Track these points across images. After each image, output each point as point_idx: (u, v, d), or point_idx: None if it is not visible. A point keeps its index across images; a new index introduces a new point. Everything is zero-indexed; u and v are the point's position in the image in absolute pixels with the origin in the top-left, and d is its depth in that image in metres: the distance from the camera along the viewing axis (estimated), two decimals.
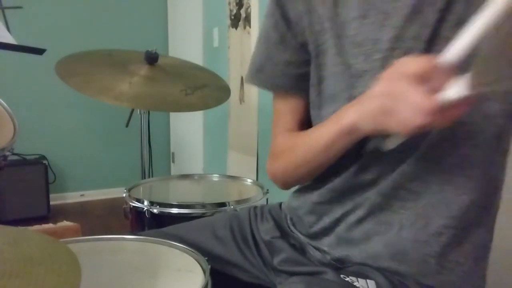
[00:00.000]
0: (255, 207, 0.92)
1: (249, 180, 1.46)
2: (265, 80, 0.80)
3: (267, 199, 1.31)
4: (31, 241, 0.52)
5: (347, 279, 0.65)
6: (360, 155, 0.68)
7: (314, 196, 0.76)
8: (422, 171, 0.65)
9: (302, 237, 0.80)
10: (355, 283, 0.65)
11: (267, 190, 1.33)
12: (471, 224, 0.66)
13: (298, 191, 0.83)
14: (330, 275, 0.67)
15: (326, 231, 0.75)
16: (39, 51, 1.55)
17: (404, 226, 0.66)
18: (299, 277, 0.70)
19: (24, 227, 0.56)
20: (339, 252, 0.72)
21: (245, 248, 0.83)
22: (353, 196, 0.70)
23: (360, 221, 0.70)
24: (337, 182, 0.71)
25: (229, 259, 0.82)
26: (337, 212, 0.72)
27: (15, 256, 0.47)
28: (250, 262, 0.81)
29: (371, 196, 0.68)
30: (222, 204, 1.18)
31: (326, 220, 0.74)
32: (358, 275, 0.66)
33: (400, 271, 0.67)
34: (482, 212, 0.67)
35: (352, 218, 0.71)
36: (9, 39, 1.53)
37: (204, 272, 0.69)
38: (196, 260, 0.74)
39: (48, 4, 3.05)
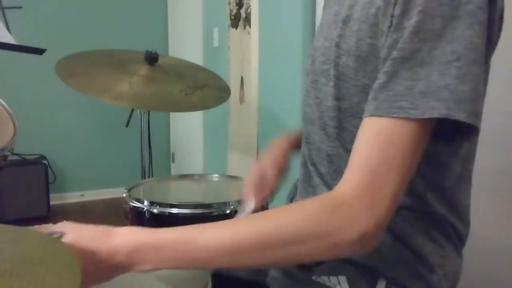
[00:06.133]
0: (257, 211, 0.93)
1: None
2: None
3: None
4: (31, 240, 0.52)
5: (318, 279, 0.66)
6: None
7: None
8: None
9: None
10: (327, 283, 0.66)
11: None
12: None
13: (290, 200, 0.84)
14: (302, 276, 0.68)
15: None
16: (39, 51, 1.55)
17: None
18: (275, 279, 0.71)
19: (24, 227, 0.56)
20: None
21: None
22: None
23: None
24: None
25: None
26: None
27: (15, 256, 0.47)
28: None
29: None
30: (222, 204, 1.17)
31: None
32: (330, 272, 0.67)
33: (369, 264, 0.67)
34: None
35: None
36: (9, 39, 1.53)
37: (204, 271, 0.69)
38: None
39: (48, 4, 3.06)
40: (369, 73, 0.62)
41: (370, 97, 0.57)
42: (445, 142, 0.62)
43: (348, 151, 0.67)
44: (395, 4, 0.56)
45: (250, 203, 0.84)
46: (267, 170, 0.89)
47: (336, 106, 0.67)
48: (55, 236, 0.56)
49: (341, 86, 0.66)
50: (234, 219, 0.58)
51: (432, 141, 0.57)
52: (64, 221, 0.60)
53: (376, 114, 0.55)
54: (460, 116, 0.52)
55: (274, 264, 0.61)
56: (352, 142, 0.67)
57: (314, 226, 0.53)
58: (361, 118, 0.64)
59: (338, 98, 0.67)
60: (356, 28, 0.63)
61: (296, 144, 0.93)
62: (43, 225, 0.58)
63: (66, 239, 0.56)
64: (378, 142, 0.54)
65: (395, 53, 0.55)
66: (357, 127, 0.65)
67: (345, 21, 0.66)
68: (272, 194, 0.89)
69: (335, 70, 0.67)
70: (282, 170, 0.90)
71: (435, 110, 0.52)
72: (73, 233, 0.57)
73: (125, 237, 0.56)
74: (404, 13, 0.55)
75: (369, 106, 0.57)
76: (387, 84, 0.55)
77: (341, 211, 0.53)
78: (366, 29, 0.62)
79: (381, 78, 0.56)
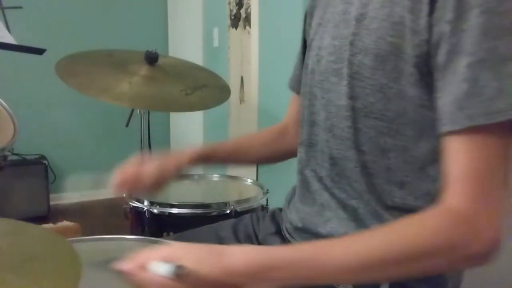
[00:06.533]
0: (257, 212, 0.94)
1: (249, 180, 1.46)
2: None
3: (267, 199, 1.31)
4: (32, 236, 0.52)
5: None
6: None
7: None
8: None
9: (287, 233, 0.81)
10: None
11: (267, 190, 1.33)
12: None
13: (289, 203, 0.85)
14: None
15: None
16: (39, 51, 1.55)
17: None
18: None
19: (25, 222, 0.56)
20: None
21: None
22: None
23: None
24: None
25: None
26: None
27: (16, 252, 0.47)
28: None
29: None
30: (222, 204, 1.17)
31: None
32: None
33: None
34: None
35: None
36: (9, 39, 1.53)
37: None
38: None
39: (48, 4, 3.05)
40: (387, 72, 0.61)
41: (450, 109, 0.55)
42: None
43: (361, 152, 0.67)
44: (431, 4, 0.56)
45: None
46: (149, 164, 0.86)
47: (350, 106, 0.66)
48: (179, 272, 0.52)
49: (355, 84, 0.65)
50: (359, 235, 0.58)
51: None
52: (169, 242, 0.59)
53: (473, 123, 0.53)
54: None
55: (407, 276, 0.60)
56: (366, 143, 0.66)
57: (444, 240, 0.53)
58: (376, 118, 0.64)
59: (352, 97, 0.66)
60: (375, 26, 0.62)
61: (200, 159, 0.90)
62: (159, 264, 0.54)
63: (189, 266, 0.53)
64: (476, 153, 0.54)
65: (468, 59, 0.53)
66: (371, 127, 0.65)
67: (359, 19, 0.65)
68: (139, 188, 0.87)
69: (348, 68, 0.66)
70: (163, 177, 0.87)
71: None
72: (188, 258, 0.55)
73: (241, 258, 0.55)
74: (460, 16, 0.54)
75: (457, 118, 0.54)
76: (473, 91, 0.53)
77: (464, 223, 0.53)
78: (387, 27, 0.61)
79: (460, 87, 0.54)
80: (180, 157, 0.89)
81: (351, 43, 0.65)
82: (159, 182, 0.87)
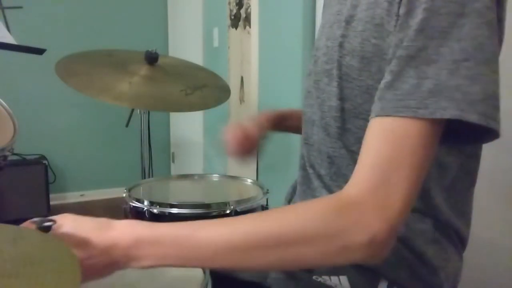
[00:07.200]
0: (257, 212, 0.94)
1: (249, 180, 1.45)
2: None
3: (267, 199, 1.31)
4: (31, 240, 0.52)
5: (319, 279, 0.67)
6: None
7: None
8: None
9: None
10: (327, 282, 0.66)
11: (267, 190, 1.33)
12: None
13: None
14: (303, 276, 0.68)
15: None
16: (39, 51, 1.55)
17: None
18: (276, 280, 0.71)
19: (24, 227, 0.56)
20: None
21: None
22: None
23: None
24: None
25: None
26: None
27: (15, 256, 0.47)
28: None
29: None
30: (222, 204, 1.17)
31: None
32: (331, 272, 0.67)
33: (370, 265, 0.67)
34: None
35: None
36: (9, 39, 1.53)
37: (204, 271, 0.69)
38: None
39: (48, 4, 3.06)
40: (373, 74, 0.62)
41: (376, 98, 0.56)
42: (452, 143, 0.61)
43: (351, 152, 0.67)
44: (399, 3, 0.56)
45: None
46: (250, 129, 0.90)
47: (340, 106, 0.67)
48: (46, 224, 0.54)
49: (344, 86, 0.66)
50: (236, 216, 0.57)
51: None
52: (65, 214, 0.58)
53: (382, 114, 0.53)
54: (473, 117, 0.50)
55: (279, 266, 0.57)
56: (355, 143, 0.66)
57: (320, 226, 0.50)
58: (364, 119, 0.64)
59: (341, 98, 0.67)
60: (360, 28, 0.63)
61: (280, 120, 0.96)
62: (37, 219, 0.55)
63: (62, 228, 0.55)
64: (386, 142, 0.52)
65: (400, 52, 0.54)
66: (360, 128, 0.65)
67: (349, 21, 0.65)
68: (257, 150, 0.91)
69: (338, 70, 0.66)
70: (263, 133, 0.92)
71: (447, 110, 0.50)
72: (70, 223, 0.56)
73: (124, 231, 0.54)
74: (409, 12, 0.54)
75: (376, 107, 0.55)
76: (393, 84, 0.53)
77: (349, 211, 0.50)
78: (371, 29, 0.61)
79: (387, 78, 0.55)
80: (261, 121, 0.94)
81: (340, 45, 0.66)
82: (255, 145, 0.92)
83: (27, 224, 0.56)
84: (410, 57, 0.53)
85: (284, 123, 0.98)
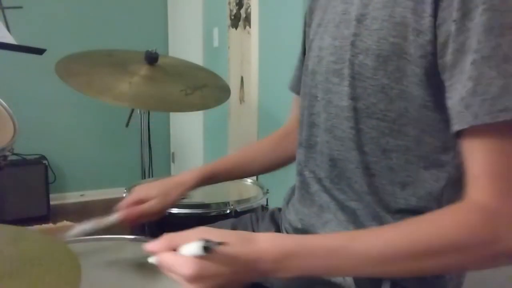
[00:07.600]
0: (256, 212, 0.94)
1: (249, 180, 1.46)
2: None
3: (267, 199, 1.31)
4: (31, 241, 0.52)
5: (324, 276, 0.66)
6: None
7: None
8: None
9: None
10: (332, 280, 0.66)
11: (267, 190, 1.33)
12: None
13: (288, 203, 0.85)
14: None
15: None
16: (39, 51, 1.55)
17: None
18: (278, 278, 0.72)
19: (24, 227, 0.56)
20: None
21: None
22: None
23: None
24: None
25: None
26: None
27: (15, 256, 0.47)
28: None
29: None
30: (222, 204, 1.17)
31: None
32: None
33: None
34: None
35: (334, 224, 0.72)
36: (9, 39, 1.53)
37: None
38: None
39: (48, 4, 3.06)
40: (389, 72, 0.61)
41: (458, 108, 0.55)
42: None
43: (363, 153, 0.66)
44: (435, 4, 0.56)
45: (111, 217, 0.83)
46: (151, 194, 0.87)
47: (352, 106, 0.66)
48: (208, 245, 0.51)
49: (357, 85, 0.65)
50: (382, 227, 0.59)
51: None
52: (201, 227, 0.58)
53: (478, 122, 0.52)
54: None
55: (430, 273, 0.60)
56: (368, 143, 0.66)
57: (472, 235, 0.52)
58: (378, 119, 0.64)
59: (353, 97, 0.66)
60: (376, 27, 0.62)
61: (203, 181, 0.92)
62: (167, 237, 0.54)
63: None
64: (492, 149, 0.53)
65: (473, 56, 0.53)
66: (373, 128, 0.64)
67: (360, 20, 0.65)
68: (143, 217, 0.87)
69: (350, 69, 0.65)
70: (167, 201, 0.88)
71: None
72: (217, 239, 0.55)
73: (270, 244, 0.56)
74: (466, 14, 0.54)
75: (464, 117, 0.54)
76: (477, 88, 0.53)
77: (496, 219, 0.52)
78: (389, 28, 0.61)
79: (466, 85, 0.54)
80: (183, 182, 0.91)
81: (352, 44, 0.65)
82: (163, 210, 0.89)
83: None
84: (486, 58, 0.53)
85: (214, 179, 0.95)
